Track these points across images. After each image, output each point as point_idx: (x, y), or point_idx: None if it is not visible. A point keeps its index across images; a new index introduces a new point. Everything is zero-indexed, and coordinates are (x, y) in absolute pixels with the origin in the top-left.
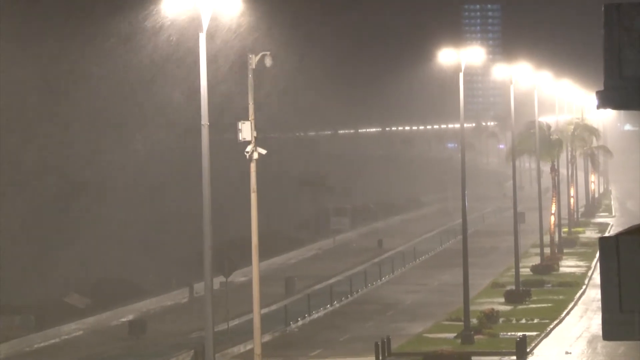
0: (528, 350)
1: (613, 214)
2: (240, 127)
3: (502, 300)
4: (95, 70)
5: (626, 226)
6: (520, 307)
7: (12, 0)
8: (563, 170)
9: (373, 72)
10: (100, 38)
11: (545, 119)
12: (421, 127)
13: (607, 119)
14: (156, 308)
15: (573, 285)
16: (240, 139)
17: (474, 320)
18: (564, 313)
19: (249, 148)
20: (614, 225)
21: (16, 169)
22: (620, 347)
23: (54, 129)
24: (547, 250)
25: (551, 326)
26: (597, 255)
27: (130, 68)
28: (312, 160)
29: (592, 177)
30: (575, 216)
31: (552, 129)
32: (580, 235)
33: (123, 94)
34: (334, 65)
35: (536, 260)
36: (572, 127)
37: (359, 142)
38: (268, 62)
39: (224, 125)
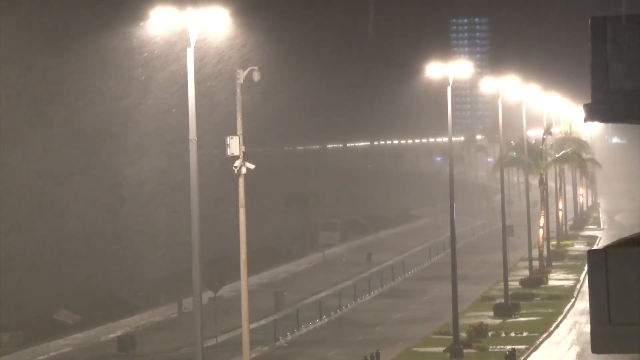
0: None
1: (602, 226)
2: (228, 142)
3: (492, 313)
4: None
5: (615, 239)
6: (509, 320)
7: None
8: (552, 184)
9: (361, 86)
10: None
11: (533, 132)
12: (410, 141)
13: (595, 132)
14: (145, 324)
15: (562, 298)
16: (229, 153)
17: (463, 334)
18: (553, 326)
19: (237, 163)
20: (602, 238)
21: (7, 182)
22: None
23: (44, 142)
24: (536, 264)
25: (540, 339)
26: (586, 268)
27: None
28: (301, 174)
29: (581, 190)
30: (564, 229)
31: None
32: (569, 248)
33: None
34: (321, 80)
35: (525, 274)
36: (562, 137)
37: (348, 156)
38: (256, 76)
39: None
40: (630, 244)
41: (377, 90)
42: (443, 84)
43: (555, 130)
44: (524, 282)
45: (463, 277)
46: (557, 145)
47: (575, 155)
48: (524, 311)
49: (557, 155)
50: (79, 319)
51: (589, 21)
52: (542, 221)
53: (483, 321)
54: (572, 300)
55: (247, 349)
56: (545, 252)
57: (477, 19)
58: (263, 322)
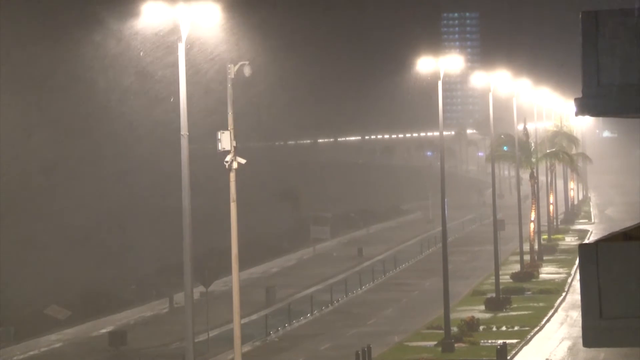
0: (509, 357)
1: (592, 220)
2: (219, 137)
3: (483, 307)
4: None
5: (606, 233)
6: (500, 314)
7: None
8: (542, 178)
9: (352, 81)
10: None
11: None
12: (401, 135)
13: (586, 126)
14: (136, 319)
15: (553, 292)
16: (220, 148)
17: (454, 328)
18: (544, 320)
19: (228, 158)
20: (593, 232)
21: None
22: (600, 353)
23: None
24: (527, 258)
25: (531, 333)
26: (577, 262)
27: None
28: (292, 169)
29: (572, 184)
30: (555, 223)
31: (531, 137)
32: (560, 242)
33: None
34: (313, 74)
35: (516, 268)
36: (554, 131)
37: (339, 151)
38: (247, 71)
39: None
40: (621, 237)
41: (368, 85)
42: (434, 78)
43: (546, 124)
44: (515, 276)
45: (454, 271)
46: (548, 139)
47: (562, 152)
48: (515, 305)
49: (547, 151)
50: (70, 314)
51: (580, 15)
52: (533, 215)
53: (474, 315)
54: (563, 294)
55: (239, 343)
56: (536, 246)
57: (467, 13)
58: (254, 316)
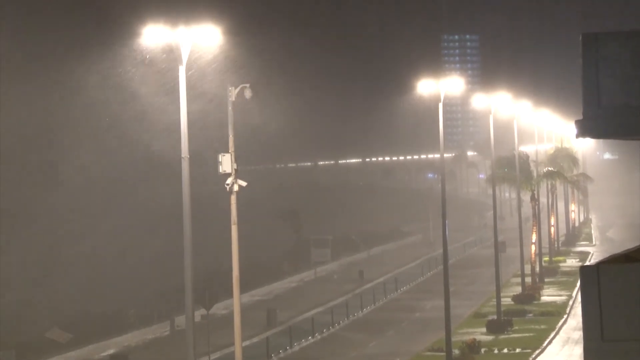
0: None
1: (594, 242)
2: (220, 160)
3: (484, 330)
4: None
5: (607, 255)
6: (502, 336)
7: None
8: (543, 199)
9: (352, 103)
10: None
11: (525, 148)
12: (401, 158)
13: (587, 148)
14: (138, 342)
15: (554, 314)
16: (221, 171)
17: (456, 351)
18: (546, 342)
19: (229, 180)
20: (594, 254)
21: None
22: None
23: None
24: (528, 280)
25: (533, 356)
26: (579, 284)
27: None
28: (293, 192)
29: (572, 206)
30: (556, 245)
31: (531, 158)
32: (561, 265)
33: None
34: (313, 97)
35: (517, 290)
36: (554, 152)
37: (340, 173)
38: (248, 94)
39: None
40: (622, 259)
41: (368, 107)
42: (434, 101)
43: (547, 146)
44: (516, 299)
45: (455, 294)
46: (549, 160)
47: (559, 173)
48: (517, 327)
49: (545, 170)
50: (71, 337)
51: (580, 37)
52: (534, 237)
53: (476, 337)
54: (565, 316)
55: None
56: (537, 268)
57: (468, 36)
58: (256, 339)
